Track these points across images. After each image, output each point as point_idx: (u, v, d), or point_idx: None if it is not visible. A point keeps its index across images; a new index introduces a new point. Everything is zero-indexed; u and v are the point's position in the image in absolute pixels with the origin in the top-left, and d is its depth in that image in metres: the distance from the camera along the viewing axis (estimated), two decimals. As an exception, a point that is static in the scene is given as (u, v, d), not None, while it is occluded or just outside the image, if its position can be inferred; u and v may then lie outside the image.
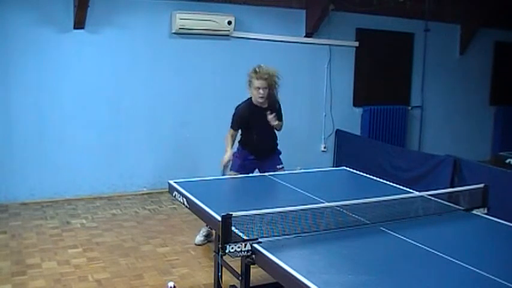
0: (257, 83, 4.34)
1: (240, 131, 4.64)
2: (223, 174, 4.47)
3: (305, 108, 7.36)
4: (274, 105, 4.53)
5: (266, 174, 4.29)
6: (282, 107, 4.66)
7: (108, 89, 6.13)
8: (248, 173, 4.54)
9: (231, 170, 4.56)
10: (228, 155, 4.45)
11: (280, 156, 4.71)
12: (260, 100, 4.41)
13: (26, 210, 5.58)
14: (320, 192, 3.53)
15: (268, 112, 4.43)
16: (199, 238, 4.73)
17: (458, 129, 8.64)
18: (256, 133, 4.56)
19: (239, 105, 4.55)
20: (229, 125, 4.58)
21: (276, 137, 4.72)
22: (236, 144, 4.74)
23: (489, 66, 8.86)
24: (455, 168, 5.39)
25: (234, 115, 4.54)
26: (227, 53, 6.68)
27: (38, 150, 5.86)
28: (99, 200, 6.05)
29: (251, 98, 4.48)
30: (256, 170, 4.70)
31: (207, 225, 4.64)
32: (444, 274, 2.30)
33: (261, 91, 4.36)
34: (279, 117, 4.58)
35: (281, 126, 4.67)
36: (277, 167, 4.56)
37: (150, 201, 6.10)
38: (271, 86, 4.41)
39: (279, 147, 4.76)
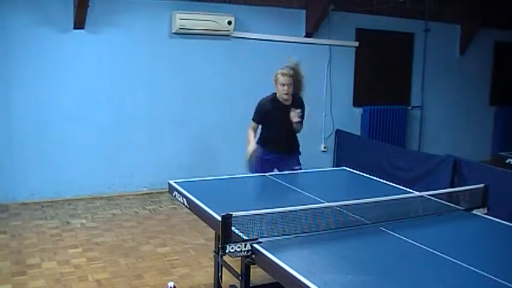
0: (282, 79, 4.40)
1: (260, 127, 4.63)
2: (250, 166, 4.45)
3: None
4: (298, 103, 4.53)
5: (266, 174, 4.26)
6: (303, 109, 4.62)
7: (108, 89, 6.13)
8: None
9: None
10: (251, 145, 4.42)
11: (300, 157, 4.68)
12: (285, 96, 4.45)
13: (26, 210, 5.58)
14: (320, 192, 3.53)
15: (293, 108, 4.43)
16: None
17: (458, 129, 8.64)
18: (276, 129, 4.55)
19: (263, 98, 4.58)
20: (246, 119, 4.57)
21: (297, 137, 4.67)
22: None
23: (489, 66, 8.86)
24: (455, 168, 5.39)
25: (256, 108, 4.56)
26: (227, 53, 6.68)
27: (38, 150, 5.86)
28: (99, 200, 6.05)
29: (276, 93, 4.51)
30: (275, 169, 4.58)
31: None
32: (444, 274, 2.29)
33: (285, 87, 4.41)
34: (302, 117, 4.54)
35: (301, 127, 4.58)
36: (295, 168, 4.50)
37: (150, 201, 6.10)
38: (296, 83, 4.47)
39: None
